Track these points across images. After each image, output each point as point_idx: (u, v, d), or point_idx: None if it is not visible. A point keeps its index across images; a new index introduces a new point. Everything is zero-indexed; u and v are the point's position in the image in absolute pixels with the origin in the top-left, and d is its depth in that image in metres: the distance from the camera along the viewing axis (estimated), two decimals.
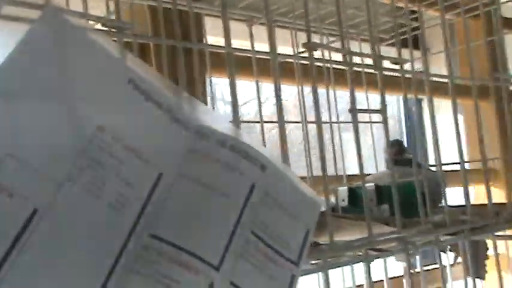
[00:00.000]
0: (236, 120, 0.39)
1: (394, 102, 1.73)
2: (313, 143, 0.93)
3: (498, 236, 0.61)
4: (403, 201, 0.64)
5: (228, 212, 0.35)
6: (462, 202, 0.69)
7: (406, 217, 0.63)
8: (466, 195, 0.61)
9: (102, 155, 0.31)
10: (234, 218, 0.35)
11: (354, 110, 0.48)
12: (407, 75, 0.58)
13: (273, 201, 0.37)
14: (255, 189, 0.36)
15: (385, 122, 0.52)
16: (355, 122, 0.48)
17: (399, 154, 0.98)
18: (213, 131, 0.36)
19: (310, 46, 0.47)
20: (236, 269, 0.34)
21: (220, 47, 0.45)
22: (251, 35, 0.86)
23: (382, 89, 0.52)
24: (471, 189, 1.44)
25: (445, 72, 0.65)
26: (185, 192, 0.34)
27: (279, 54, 0.80)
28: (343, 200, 0.73)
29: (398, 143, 1.00)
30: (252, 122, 0.83)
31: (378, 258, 0.48)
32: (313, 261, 0.45)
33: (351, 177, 0.96)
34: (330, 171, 0.91)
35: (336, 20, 0.83)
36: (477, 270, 0.70)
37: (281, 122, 0.47)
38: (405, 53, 0.74)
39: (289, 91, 1.56)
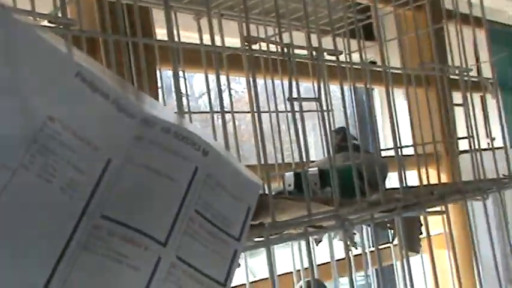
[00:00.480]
0: (180, 110, 0.43)
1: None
2: (268, 132, 0.98)
3: (429, 212, 0.67)
4: (344, 184, 0.69)
5: (173, 193, 0.38)
6: (411, 184, 0.75)
7: (349, 198, 0.68)
8: (400, 176, 0.66)
9: (53, 143, 0.34)
10: (179, 198, 0.38)
11: (291, 99, 0.52)
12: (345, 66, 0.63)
13: (215, 183, 0.41)
14: (197, 172, 0.40)
15: (321, 110, 0.56)
16: (293, 111, 0.52)
17: (344, 140, 1.03)
18: (158, 120, 0.39)
19: (248, 39, 0.50)
20: (182, 245, 0.37)
21: (164, 41, 0.47)
22: (199, 29, 0.88)
23: (319, 79, 0.56)
24: (414, 172, 1.52)
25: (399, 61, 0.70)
26: (133, 176, 0.37)
27: (227, 47, 0.83)
28: (289, 185, 0.77)
29: (343, 130, 1.05)
30: (201, 112, 0.86)
31: (317, 234, 0.52)
32: (256, 239, 0.49)
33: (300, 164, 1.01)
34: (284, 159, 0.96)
35: (280, 13, 0.87)
36: (412, 244, 0.75)
37: (223, 111, 0.50)
38: (354, 43, 0.78)
39: (244, 82, 1.59)
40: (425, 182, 0.83)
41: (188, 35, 0.94)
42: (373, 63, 1.95)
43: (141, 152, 0.38)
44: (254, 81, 0.50)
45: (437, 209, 0.72)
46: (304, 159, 0.78)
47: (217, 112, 0.77)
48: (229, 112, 0.75)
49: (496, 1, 2.15)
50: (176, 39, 0.87)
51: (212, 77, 0.96)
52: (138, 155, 0.38)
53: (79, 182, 0.34)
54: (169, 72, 1.00)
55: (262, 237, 0.49)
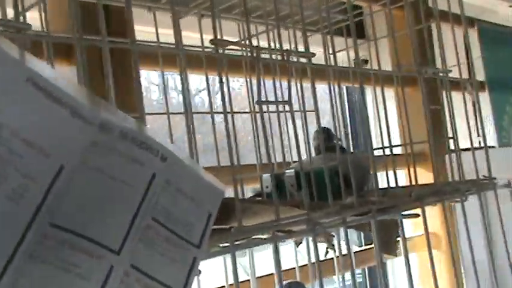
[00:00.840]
0: (141, 113, 0.42)
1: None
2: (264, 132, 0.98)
3: (404, 215, 0.66)
4: (322, 186, 0.68)
5: (129, 200, 0.37)
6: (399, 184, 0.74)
7: (327, 201, 0.68)
8: (375, 178, 0.66)
9: (1, 150, 0.33)
10: (135, 205, 0.37)
11: (259, 102, 0.52)
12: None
13: (174, 189, 0.40)
14: (155, 178, 0.39)
15: (291, 111, 0.55)
16: (261, 113, 0.52)
17: (327, 141, 1.03)
18: (115, 125, 0.39)
19: (216, 42, 0.49)
20: (137, 253, 0.37)
21: (124, 42, 0.47)
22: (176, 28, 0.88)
23: (289, 81, 0.55)
24: (401, 172, 1.52)
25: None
26: (87, 182, 0.36)
27: (205, 47, 0.82)
28: (267, 187, 0.77)
29: (325, 131, 1.04)
30: (178, 113, 0.85)
31: (285, 239, 0.52)
32: (224, 244, 0.49)
33: (281, 165, 1.00)
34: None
35: (261, 14, 0.86)
36: (389, 247, 0.75)
37: (189, 114, 0.50)
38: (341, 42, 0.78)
39: (241, 81, 1.62)
40: (408, 183, 0.83)
41: (170, 33, 0.93)
42: (366, 61, 1.95)
43: (96, 158, 0.37)
44: (221, 82, 0.50)
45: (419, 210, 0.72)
46: (276, 161, 0.77)
47: (177, 113, 0.75)
48: (208, 113, 0.74)
49: (487, 1, 2.15)
50: (155, 38, 0.87)
51: (211, 77, 0.95)
52: (93, 161, 0.37)
53: (28, 189, 0.34)
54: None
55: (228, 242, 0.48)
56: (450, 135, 0.87)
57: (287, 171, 0.76)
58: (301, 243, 0.88)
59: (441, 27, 0.81)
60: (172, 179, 0.40)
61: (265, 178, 0.77)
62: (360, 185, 0.92)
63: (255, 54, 0.52)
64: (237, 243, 0.48)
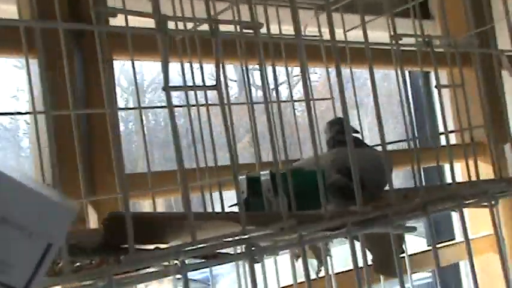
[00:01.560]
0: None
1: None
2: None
3: (399, 227, 0.51)
4: (303, 191, 0.55)
5: None
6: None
7: (309, 209, 0.55)
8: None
9: None
10: None
11: (167, 88, 0.39)
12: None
13: None
14: None
15: (221, 100, 0.42)
16: (170, 106, 0.39)
17: (341, 133, 0.88)
18: None
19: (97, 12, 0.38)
20: None
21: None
22: (154, 11, 0.77)
23: (218, 62, 0.43)
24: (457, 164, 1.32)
25: None
26: None
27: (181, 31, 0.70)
28: (242, 192, 0.64)
29: (339, 122, 0.89)
30: (131, 108, 0.74)
31: (198, 268, 0.39)
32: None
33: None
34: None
35: None
36: (386, 267, 0.59)
37: (74, 112, 0.38)
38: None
39: (319, 71, 1.55)
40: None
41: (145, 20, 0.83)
42: (428, 43, 1.75)
43: None
44: (111, 65, 0.38)
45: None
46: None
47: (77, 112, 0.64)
48: (152, 108, 0.63)
49: None
50: (123, 23, 0.77)
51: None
52: None
53: None
54: None
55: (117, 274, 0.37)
56: None
57: (262, 172, 0.62)
58: (300, 256, 0.75)
59: None
60: None
61: (241, 181, 0.64)
62: (376, 186, 0.77)
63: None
64: (120, 276, 0.36)
